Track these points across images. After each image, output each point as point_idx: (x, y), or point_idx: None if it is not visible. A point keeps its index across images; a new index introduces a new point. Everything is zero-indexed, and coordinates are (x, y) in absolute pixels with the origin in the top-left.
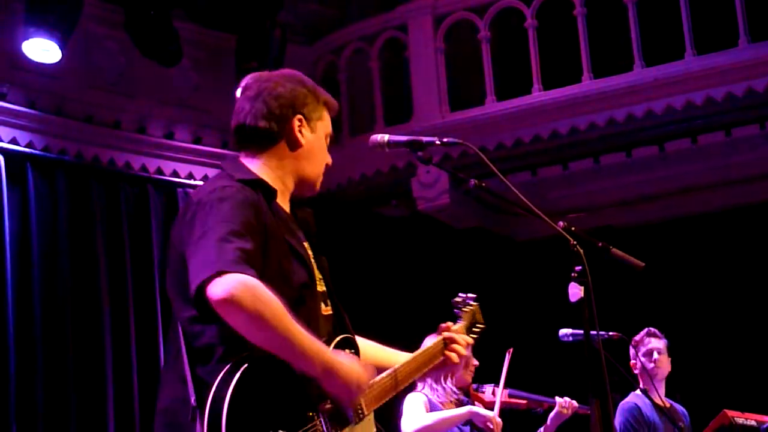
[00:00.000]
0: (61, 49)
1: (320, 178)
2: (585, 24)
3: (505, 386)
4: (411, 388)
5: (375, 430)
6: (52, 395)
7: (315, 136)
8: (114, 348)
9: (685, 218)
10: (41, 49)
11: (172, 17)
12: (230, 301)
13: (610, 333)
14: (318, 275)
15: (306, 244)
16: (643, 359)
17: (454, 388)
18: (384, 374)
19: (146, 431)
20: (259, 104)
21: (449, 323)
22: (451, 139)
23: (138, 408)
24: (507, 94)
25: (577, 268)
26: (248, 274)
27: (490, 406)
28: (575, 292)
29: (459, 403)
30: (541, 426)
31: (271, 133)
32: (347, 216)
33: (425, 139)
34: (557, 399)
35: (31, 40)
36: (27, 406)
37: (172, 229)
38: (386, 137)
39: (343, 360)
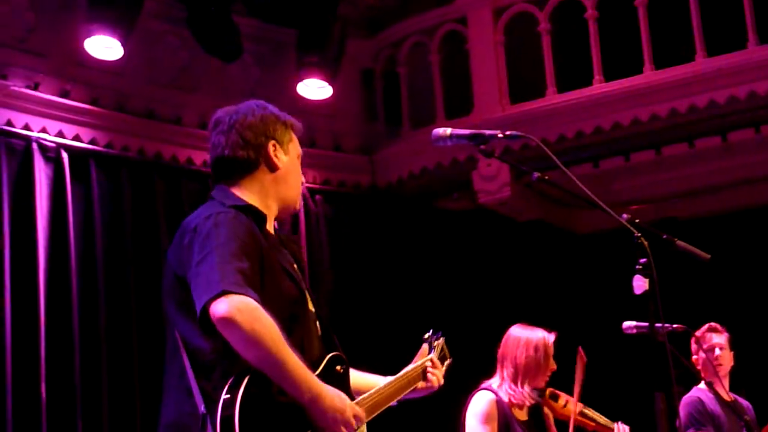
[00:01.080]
0: (123, 45)
1: (299, 198)
2: (646, 14)
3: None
4: (481, 382)
5: None
6: (117, 391)
7: (289, 158)
8: None
9: (749, 209)
10: (103, 47)
11: (233, 12)
12: (230, 320)
13: (675, 325)
14: (308, 296)
15: (295, 266)
16: (705, 355)
17: (531, 393)
18: (372, 391)
19: None
20: (234, 136)
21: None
22: (513, 132)
23: None
24: (568, 85)
25: (642, 260)
26: (249, 296)
27: (561, 416)
28: (640, 284)
29: (529, 409)
30: None
31: (250, 161)
32: (408, 209)
33: (488, 132)
34: (617, 425)
35: (93, 37)
36: (92, 404)
37: (168, 254)
38: (449, 131)
39: (330, 392)
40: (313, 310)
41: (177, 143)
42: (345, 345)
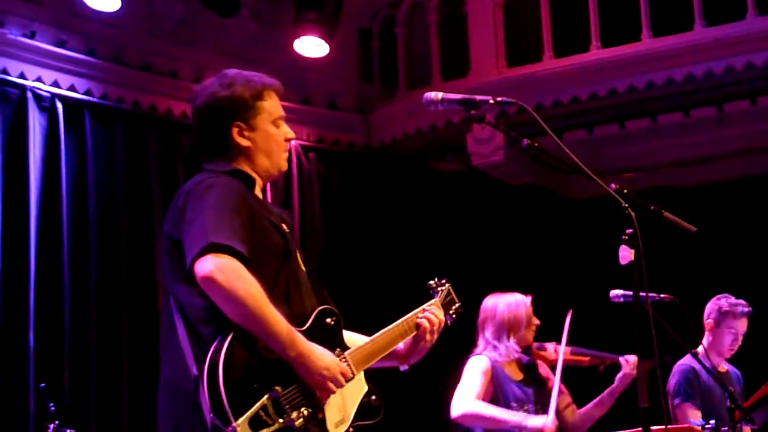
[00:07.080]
0: None
1: (280, 160)
2: None
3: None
4: (472, 348)
5: (366, 388)
6: (105, 340)
7: (259, 131)
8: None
9: (743, 180)
10: None
11: None
12: (211, 279)
13: (662, 295)
14: (298, 254)
15: (284, 226)
16: (725, 330)
17: (516, 347)
18: (365, 342)
19: None
20: (201, 123)
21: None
22: (504, 99)
23: None
24: (565, 51)
25: (628, 230)
26: (237, 248)
27: (552, 363)
28: (625, 254)
29: (519, 363)
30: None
31: (220, 144)
32: (401, 170)
33: (479, 97)
34: (622, 358)
35: None
36: (80, 352)
37: (165, 218)
38: (440, 95)
39: (315, 349)
40: (302, 267)
41: (172, 97)
42: (335, 304)
